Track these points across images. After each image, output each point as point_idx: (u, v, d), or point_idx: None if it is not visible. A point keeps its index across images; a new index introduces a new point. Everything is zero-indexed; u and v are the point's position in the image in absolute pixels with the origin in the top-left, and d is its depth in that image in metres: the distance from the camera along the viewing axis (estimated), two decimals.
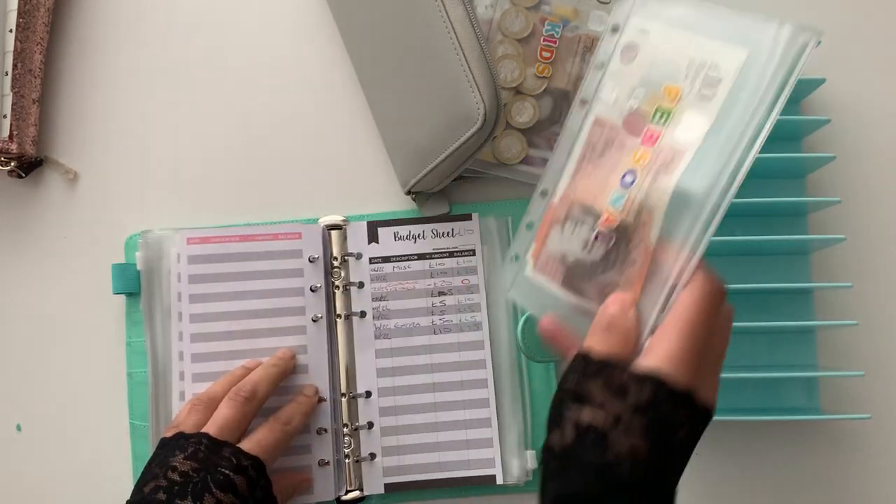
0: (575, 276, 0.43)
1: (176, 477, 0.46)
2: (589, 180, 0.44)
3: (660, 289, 0.39)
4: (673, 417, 0.35)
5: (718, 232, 0.57)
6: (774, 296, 0.58)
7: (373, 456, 0.57)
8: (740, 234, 0.58)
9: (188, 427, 0.50)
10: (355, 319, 0.58)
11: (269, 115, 0.62)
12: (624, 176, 0.42)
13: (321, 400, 0.57)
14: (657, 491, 0.35)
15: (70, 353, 0.61)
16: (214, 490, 0.45)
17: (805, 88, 0.58)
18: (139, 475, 0.48)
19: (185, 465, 0.46)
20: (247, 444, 0.49)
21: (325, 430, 0.57)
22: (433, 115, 0.52)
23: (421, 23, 0.51)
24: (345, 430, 0.57)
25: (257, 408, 0.52)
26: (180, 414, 0.52)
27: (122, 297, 0.60)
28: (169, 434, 0.50)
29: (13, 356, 0.61)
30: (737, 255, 0.58)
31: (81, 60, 0.63)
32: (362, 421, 0.57)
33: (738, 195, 0.56)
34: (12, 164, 0.60)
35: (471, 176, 0.60)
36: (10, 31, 0.59)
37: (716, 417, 0.52)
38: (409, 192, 0.59)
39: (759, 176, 0.58)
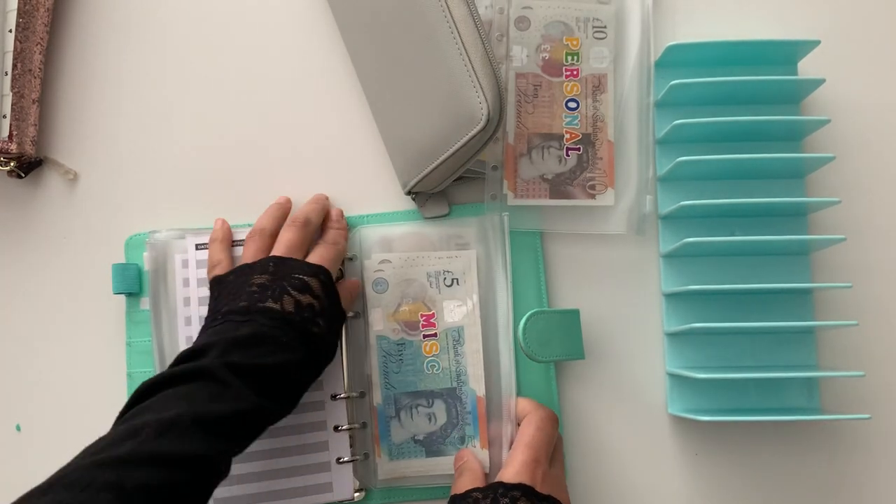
0: (559, 185, 0.59)
1: (254, 289, 0.50)
2: (534, 116, 0.59)
3: (502, 431, 0.55)
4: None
5: (718, 232, 0.58)
6: (774, 296, 0.58)
7: (366, 455, 0.57)
8: (740, 234, 0.58)
9: (248, 257, 0.54)
10: (351, 320, 0.58)
11: (268, 116, 0.62)
12: (567, 103, 0.59)
13: (335, 397, 0.57)
14: None
15: (70, 353, 0.61)
16: (292, 292, 0.50)
17: (805, 88, 0.58)
18: (206, 319, 0.51)
19: (259, 279, 0.50)
20: (310, 259, 0.53)
21: (342, 427, 0.57)
22: (435, 115, 0.52)
23: (423, 22, 0.51)
24: (355, 425, 0.57)
25: (313, 233, 0.56)
26: (214, 254, 0.55)
27: (122, 297, 0.60)
28: (219, 271, 0.54)
29: (13, 356, 0.61)
30: (737, 255, 0.58)
31: (81, 60, 0.63)
32: (357, 421, 0.57)
33: (737, 195, 0.57)
34: (12, 164, 0.60)
35: (471, 176, 0.60)
36: (10, 31, 0.59)
37: (716, 418, 0.52)
38: (409, 193, 0.58)
39: (759, 176, 0.58)
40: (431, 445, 0.57)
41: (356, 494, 0.57)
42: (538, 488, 0.48)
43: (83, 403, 0.61)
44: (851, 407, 0.58)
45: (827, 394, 0.58)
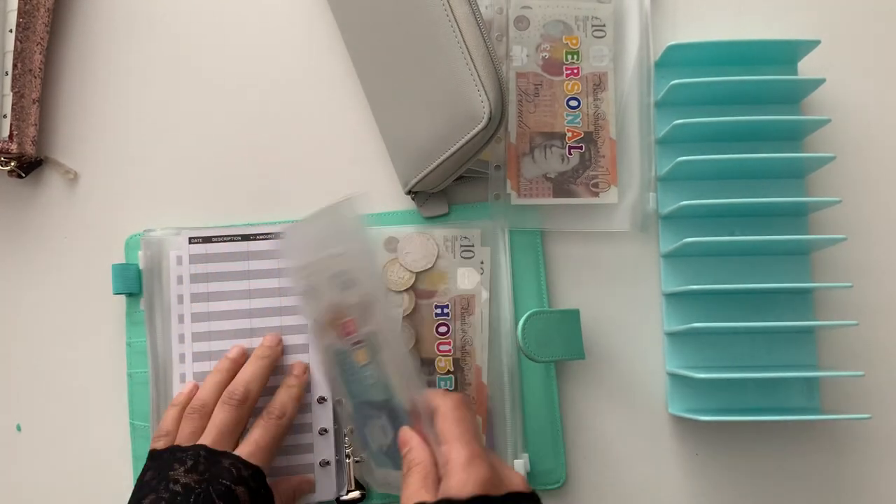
0: (562, 183, 0.59)
1: (178, 489, 0.46)
2: (536, 115, 0.59)
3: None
4: None
5: (718, 232, 0.58)
6: (774, 296, 0.58)
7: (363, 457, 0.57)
8: (740, 234, 0.58)
9: (184, 438, 0.50)
10: None
11: (268, 115, 0.62)
12: (569, 102, 0.59)
13: (321, 400, 0.57)
14: None
15: (70, 353, 0.61)
16: (217, 501, 0.46)
17: (805, 88, 0.58)
18: (133, 490, 0.48)
19: (186, 477, 0.47)
20: (245, 449, 0.50)
21: (327, 431, 0.57)
22: (436, 114, 0.52)
23: (425, 21, 0.51)
24: (345, 430, 0.57)
25: (252, 407, 0.53)
26: (166, 422, 0.52)
27: (123, 297, 0.60)
28: (160, 445, 0.50)
29: (13, 356, 0.61)
30: (737, 255, 0.58)
31: (81, 60, 0.63)
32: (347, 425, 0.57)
33: (737, 195, 0.57)
34: (12, 164, 0.60)
35: (471, 176, 0.60)
36: (10, 31, 0.59)
37: (716, 417, 0.52)
38: (409, 192, 0.59)
39: (759, 176, 0.58)
40: (395, 457, 0.50)
41: (354, 494, 0.57)
42: (490, 490, 0.42)
43: (83, 404, 0.61)
44: (851, 407, 0.58)
45: (827, 393, 0.58)
